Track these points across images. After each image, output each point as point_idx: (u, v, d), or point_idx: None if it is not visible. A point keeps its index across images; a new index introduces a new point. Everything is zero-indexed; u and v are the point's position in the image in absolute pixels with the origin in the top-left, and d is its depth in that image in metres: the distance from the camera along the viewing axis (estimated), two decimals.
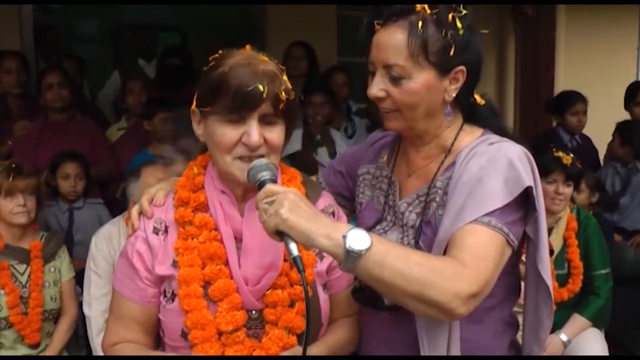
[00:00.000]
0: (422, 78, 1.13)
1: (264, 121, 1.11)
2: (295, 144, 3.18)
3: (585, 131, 3.86)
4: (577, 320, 2.53)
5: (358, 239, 1.00)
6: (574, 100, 3.72)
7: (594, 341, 2.55)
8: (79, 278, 2.48)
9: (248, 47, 1.17)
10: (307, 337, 1.05)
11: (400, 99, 1.15)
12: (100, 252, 2.35)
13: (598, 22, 4.57)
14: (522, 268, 1.27)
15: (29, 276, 2.35)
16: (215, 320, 1.12)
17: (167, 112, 3.18)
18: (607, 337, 2.65)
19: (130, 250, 1.19)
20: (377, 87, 1.16)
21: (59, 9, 6.41)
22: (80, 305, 2.42)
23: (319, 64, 3.96)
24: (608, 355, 2.57)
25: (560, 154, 2.52)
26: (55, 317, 2.42)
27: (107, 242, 2.36)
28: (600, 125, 3.86)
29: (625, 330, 3.00)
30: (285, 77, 1.14)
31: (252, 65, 1.11)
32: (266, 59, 1.14)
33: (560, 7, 4.34)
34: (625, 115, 3.85)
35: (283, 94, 1.11)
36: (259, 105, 1.09)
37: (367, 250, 1.00)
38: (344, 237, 1.00)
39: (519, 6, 4.30)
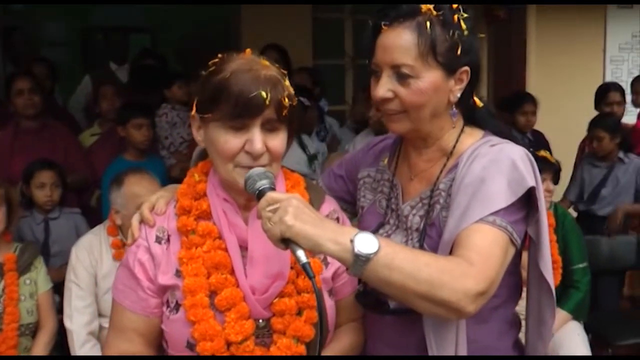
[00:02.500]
0: (430, 77, 1.13)
1: (267, 128, 1.10)
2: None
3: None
4: (558, 314, 2.54)
5: (366, 242, 1.00)
6: (523, 100, 3.80)
7: (575, 334, 2.61)
8: (58, 289, 2.40)
9: (248, 51, 1.15)
10: (321, 343, 1.04)
11: (408, 99, 1.15)
12: (81, 262, 2.28)
13: (567, 24, 4.66)
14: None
15: (2, 290, 2.24)
16: (223, 331, 1.09)
17: (141, 117, 3.10)
18: (586, 329, 2.73)
19: (132, 260, 1.16)
20: (385, 88, 1.15)
21: (22, 10, 6.17)
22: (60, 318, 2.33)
23: (292, 67, 3.95)
24: (589, 346, 2.64)
25: (544, 153, 2.62)
26: (32, 331, 2.32)
27: (87, 252, 2.30)
28: (570, 123, 3.96)
29: (603, 322, 3.09)
30: (287, 83, 1.12)
31: (253, 70, 1.09)
32: (267, 63, 1.12)
33: (530, 10, 4.42)
34: (594, 115, 3.97)
35: (286, 100, 1.09)
36: (261, 112, 1.08)
37: (376, 253, 0.99)
38: (352, 241, 1.00)
39: (491, 9, 4.38)
